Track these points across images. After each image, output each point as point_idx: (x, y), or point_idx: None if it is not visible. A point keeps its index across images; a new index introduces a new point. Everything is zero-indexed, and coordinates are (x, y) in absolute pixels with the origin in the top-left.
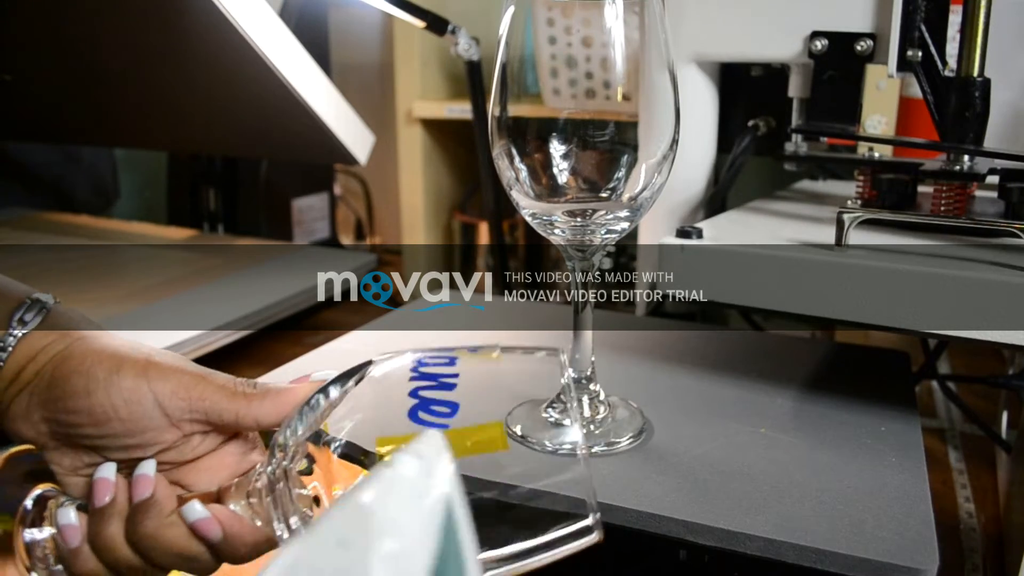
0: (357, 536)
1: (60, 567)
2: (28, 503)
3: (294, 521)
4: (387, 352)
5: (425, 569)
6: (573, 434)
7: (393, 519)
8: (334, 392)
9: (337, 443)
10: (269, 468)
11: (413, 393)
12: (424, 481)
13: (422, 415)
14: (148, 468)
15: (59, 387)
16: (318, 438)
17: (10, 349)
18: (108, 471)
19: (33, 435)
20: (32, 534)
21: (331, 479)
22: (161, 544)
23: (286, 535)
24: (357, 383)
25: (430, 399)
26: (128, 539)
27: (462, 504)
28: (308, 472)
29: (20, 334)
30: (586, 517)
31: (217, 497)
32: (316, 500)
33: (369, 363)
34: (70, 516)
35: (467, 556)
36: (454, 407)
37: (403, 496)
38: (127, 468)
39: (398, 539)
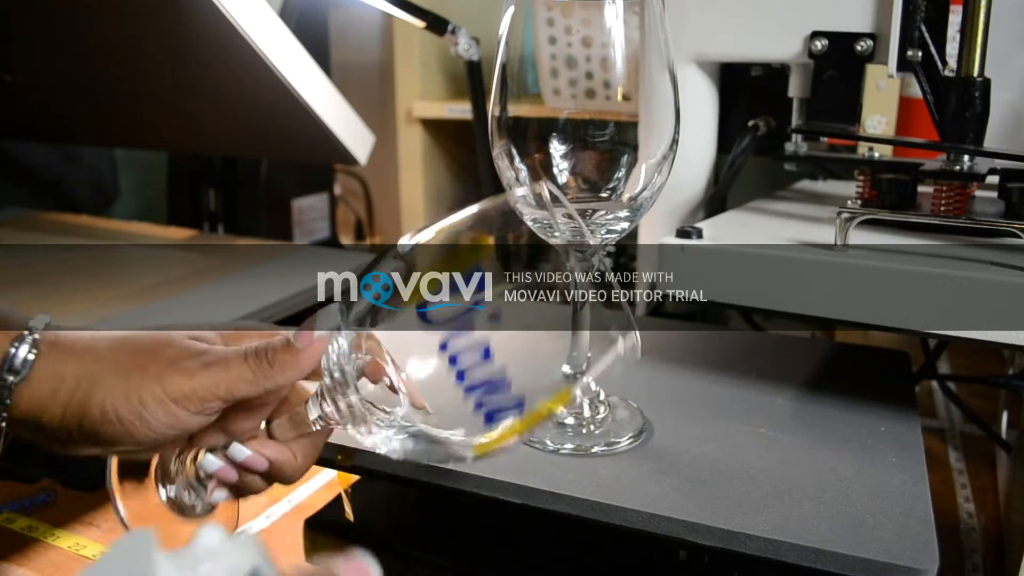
0: None
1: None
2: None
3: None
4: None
5: None
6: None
7: None
8: (355, 313)
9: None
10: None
11: (452, 362)
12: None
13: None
14: (242, 452)
15: (95, 436)
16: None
17: (8, 402)
18: (213, 464)
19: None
20: (167, 491)
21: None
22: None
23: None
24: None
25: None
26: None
27: None
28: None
29: (12, 382)
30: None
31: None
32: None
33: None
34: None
35: None
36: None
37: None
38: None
39: None
